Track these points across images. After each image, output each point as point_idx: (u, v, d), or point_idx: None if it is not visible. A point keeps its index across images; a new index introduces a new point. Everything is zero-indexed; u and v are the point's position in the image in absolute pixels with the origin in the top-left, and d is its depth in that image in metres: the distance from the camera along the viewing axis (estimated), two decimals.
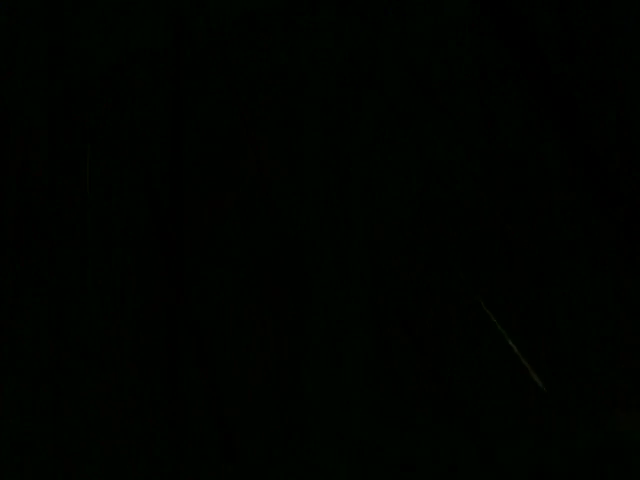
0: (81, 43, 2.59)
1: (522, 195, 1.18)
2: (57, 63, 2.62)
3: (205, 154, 2.12)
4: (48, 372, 2.40)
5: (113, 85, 2.46)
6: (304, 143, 1.86)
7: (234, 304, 1.98)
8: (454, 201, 1.45)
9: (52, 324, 2.45)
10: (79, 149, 2.53)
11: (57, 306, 2.47)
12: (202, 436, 1.75)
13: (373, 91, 1.64)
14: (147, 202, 2.25)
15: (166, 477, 1.81)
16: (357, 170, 1.76)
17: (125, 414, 2.10)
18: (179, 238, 2.12)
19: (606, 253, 1.08)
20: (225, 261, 2.03)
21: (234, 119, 2.03)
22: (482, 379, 1.26)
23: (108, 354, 2.23)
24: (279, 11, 1.95)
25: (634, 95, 1.07)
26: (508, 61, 1.24)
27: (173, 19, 2.21)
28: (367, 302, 1.62)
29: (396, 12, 1.51)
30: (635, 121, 1.05)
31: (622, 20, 1.14)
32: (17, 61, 2.69)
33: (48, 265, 2.52)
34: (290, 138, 1.87)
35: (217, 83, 2.14)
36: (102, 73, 2.48)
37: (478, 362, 1.30)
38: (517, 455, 1.10)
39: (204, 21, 2.13)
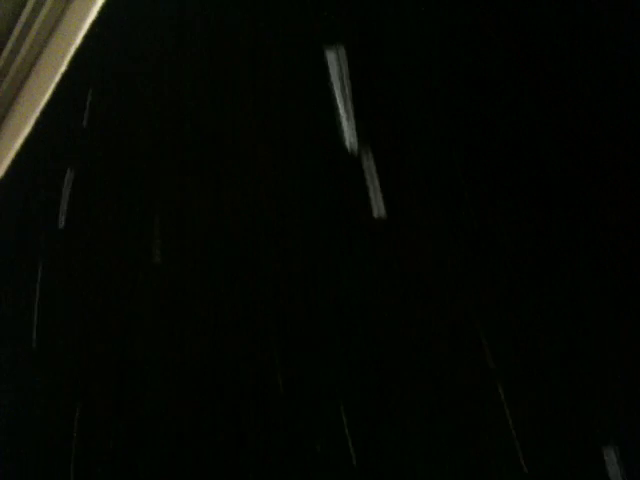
0: None
1: (521, 198, 1.18)
2: None
3: None
4: None
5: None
6: None
7: None
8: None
9: None
10: None
11: None
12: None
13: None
14: None
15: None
16: None
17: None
18: None
19: (605, 254, 1.08)
20: None
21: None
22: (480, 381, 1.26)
23: None
24: None
25: (634, 95, 1.07)
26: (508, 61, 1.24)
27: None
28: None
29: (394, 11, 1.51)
30: (635, 121, 1.05)
31: (622, 20, 1.14)
32: None
33: None
34: None
35: None
36: None
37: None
38: (516, 457, 1.10)
39: None
